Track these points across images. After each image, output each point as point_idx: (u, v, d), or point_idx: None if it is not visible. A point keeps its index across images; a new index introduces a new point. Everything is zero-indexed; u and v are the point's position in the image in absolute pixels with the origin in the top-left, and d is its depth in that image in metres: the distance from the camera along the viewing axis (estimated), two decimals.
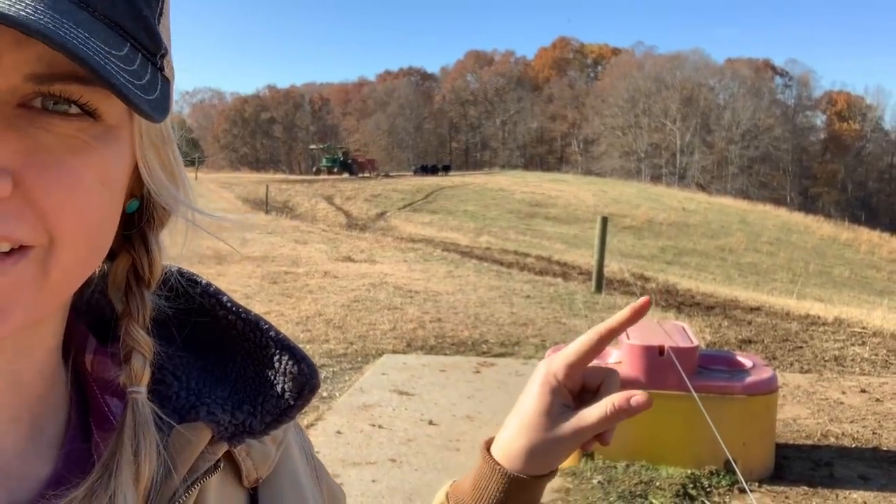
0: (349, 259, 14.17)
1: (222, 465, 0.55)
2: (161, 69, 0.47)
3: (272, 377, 0.57)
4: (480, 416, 5.65)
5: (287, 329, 8.15)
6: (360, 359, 7.22)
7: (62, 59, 0.40)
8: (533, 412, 0.71)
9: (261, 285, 10.89)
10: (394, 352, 7.52)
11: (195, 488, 0.52)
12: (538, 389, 0.72)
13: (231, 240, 0.59)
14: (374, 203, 35.12)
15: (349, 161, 55.93)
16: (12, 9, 0.37)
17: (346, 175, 52.35)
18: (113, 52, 0.41)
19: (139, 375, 0.51)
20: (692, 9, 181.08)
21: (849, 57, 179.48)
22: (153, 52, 0.46)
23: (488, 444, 0.74)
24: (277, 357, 0.57)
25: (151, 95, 0.43)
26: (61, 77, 0.41)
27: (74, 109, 0.43)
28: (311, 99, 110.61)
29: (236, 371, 0.57)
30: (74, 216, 0.44)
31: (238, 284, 10.68)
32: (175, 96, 0.51)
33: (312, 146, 79.50)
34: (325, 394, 6.03)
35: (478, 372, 6.87)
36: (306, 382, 0.57)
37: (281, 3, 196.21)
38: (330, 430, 5.24)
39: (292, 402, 0.57)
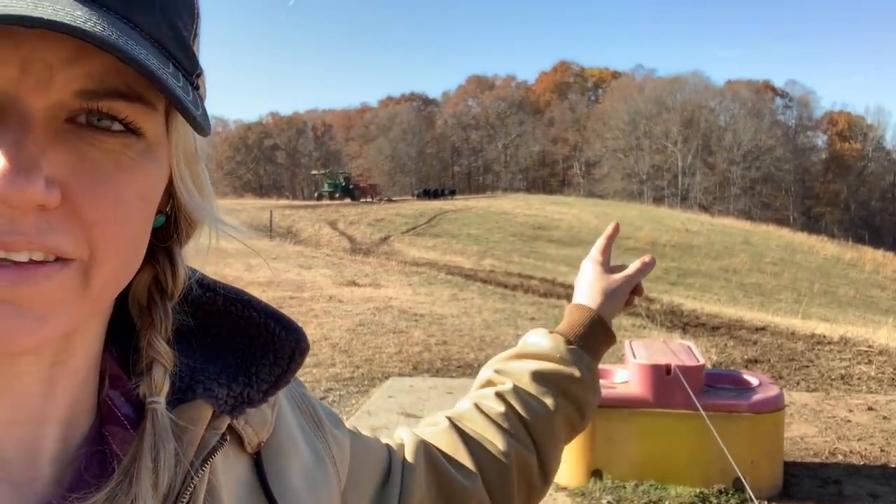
0: (354, 283, 14.19)
1: (228, 438, 0.56)
2: (197, 88, 0.49)
3: (262, 346, 0.58)
4: None
5: None
6: (366, 382, 7.23)
7: (110, 76, 0.42)
8: (594, 269, 1.07)
9: None
10: (400, 375, 7.53)
11: (207, 465, 0.53)
12: (590, 262, 1.09)
13: (249, 245, 0.63)
14: (378, 227, 35.20)
15: (351, 186, 56.00)
16: (87, 24, 0.39)
17: (348, 200, 52.49)
18: (165, 69, 0.43)
19: (160, 386, 0.52)
20: (691, 32, 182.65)
21: (849, 77, 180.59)
22: (191, 71, 0.48)
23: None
24: (263, 325, 0.58)
25: (199, 111, 0.46)
26: (107, 94, 0.43)
27: (117, 126, 0.44)
28: (314, 125, 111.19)
29: (224, 345, 0.58)
30: (116, 230, 0.45)
31: None
32: None
33: (314, 171, 79.83)
34: None
35: None
36: (296, 346, 0.59)
37: (284, 31, 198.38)
38: None
39: (286, 367, 0.58)
